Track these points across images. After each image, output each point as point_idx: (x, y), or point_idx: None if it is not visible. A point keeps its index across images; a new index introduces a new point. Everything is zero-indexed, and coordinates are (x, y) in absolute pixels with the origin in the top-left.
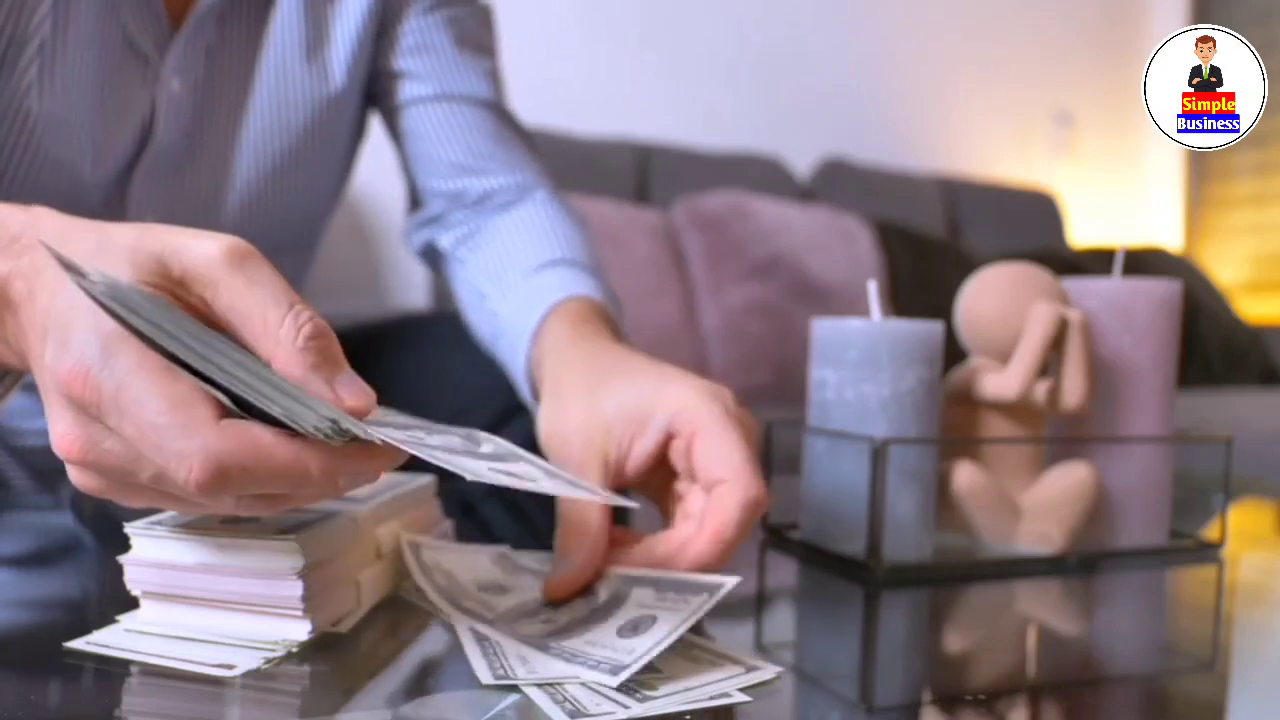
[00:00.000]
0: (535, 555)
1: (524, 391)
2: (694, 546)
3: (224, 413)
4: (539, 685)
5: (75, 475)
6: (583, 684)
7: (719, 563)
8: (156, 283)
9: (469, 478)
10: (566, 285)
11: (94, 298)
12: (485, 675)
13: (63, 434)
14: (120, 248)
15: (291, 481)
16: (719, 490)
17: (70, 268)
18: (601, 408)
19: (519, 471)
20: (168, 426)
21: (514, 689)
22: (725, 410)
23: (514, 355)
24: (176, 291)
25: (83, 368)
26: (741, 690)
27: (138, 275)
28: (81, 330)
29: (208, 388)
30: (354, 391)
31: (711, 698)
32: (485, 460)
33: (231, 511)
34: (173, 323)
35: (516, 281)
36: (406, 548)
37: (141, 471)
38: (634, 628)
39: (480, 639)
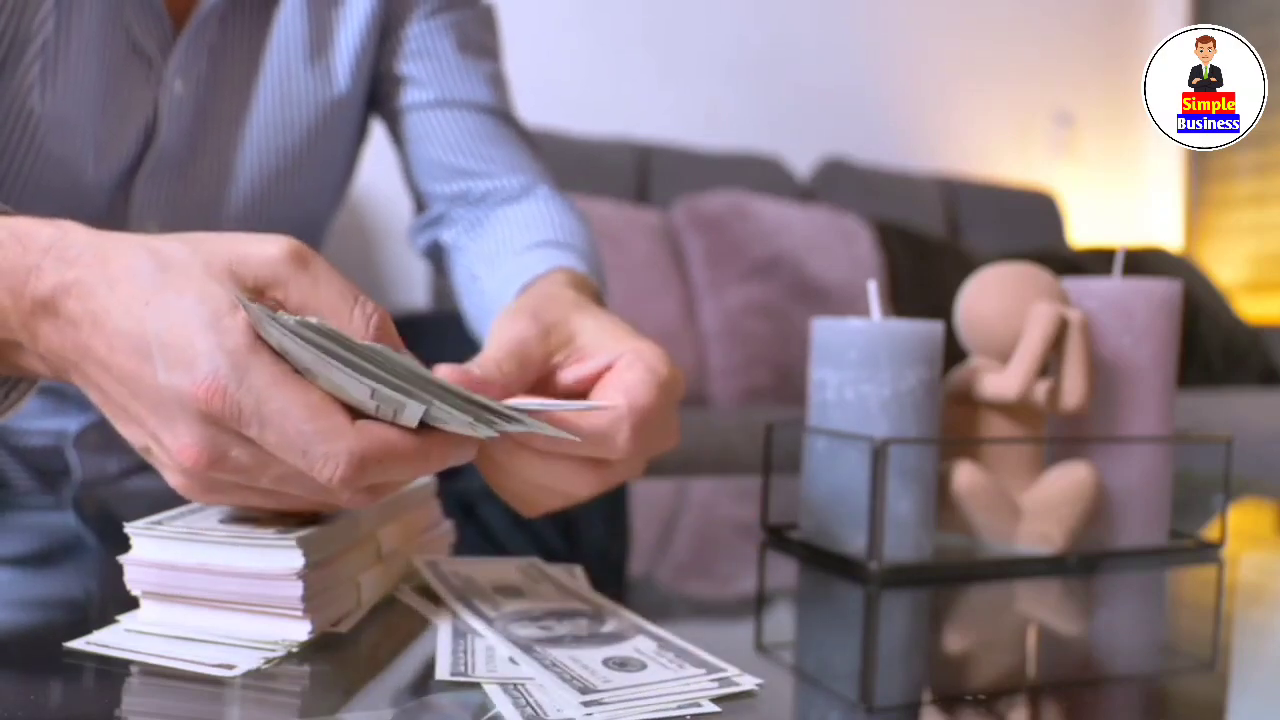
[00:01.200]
0: (562, 567)
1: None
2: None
3: (354, 414)
4: (500, 685)
5: (180, 480)
6: (542, 687)
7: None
8: (244, 298)
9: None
10: (551, 260)
11: (283, 328)
12: (443, 671)
13: (188, 444)
14: (190, 266)
15: (416, 470)
16: (622, 361)
17: (257, 315)
18: (570, 322)
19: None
20: (313, 433)
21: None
22: (670, 375)
23: (488, 324)
24: (258, 301)
25: (218, 385)
26: (714, 700)
27: (225, 294)
28: (205, 349)
29: (338, 393)
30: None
31: (680, 706)
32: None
33: (344, 504)
34: (347, 347)
35: (507, 259)
36: (423, 566)
37: (264, 475)
38: (621, 664)
39: (459, 635)
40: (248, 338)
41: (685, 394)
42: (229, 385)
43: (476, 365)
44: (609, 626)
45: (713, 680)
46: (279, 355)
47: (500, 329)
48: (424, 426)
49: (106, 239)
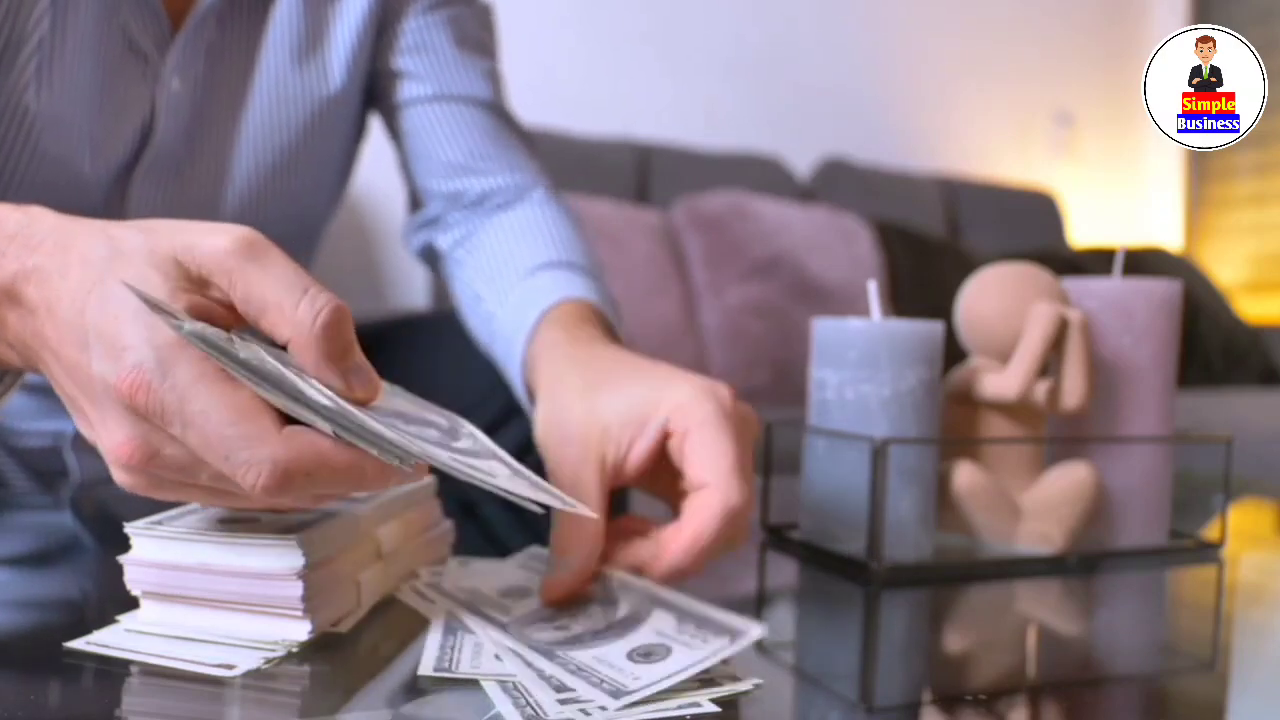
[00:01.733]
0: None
1: (520, 394)
2: (668, 551)
3: (284, 421)
4: (499, 684)
5: (123, 477)
6: (538, 679)
7: (693, 568)
8: (184, 287)
9: (430, 464)
10: (561, 287)
11: (191, 338)
12: (427, 666)
13: (121, 441)
14: (136, 253)
15: (349, 485)
16: (700, 495)
17: (157, 308)
18: (599, 409)
19: (483, 467)
20: (235, 437)
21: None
22: (720, 409)
23: (509, 358)
24: (200, 292)
25: (143, 379)
26: (714, 701)
27: (164, 282)
28: (135, 341)
29: (268, 395)
30: (363, 382)
31: (680, 707)
32: (454, 452)
33: (287, 506)
34: (255, 357)
35: (512, 284)
36: (424, 588)
37: (200, 474)
38: (646, 654)
39: (449, 631)
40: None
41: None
42: (153, 380)
43: (564, 566)
44: (624, 609)
45: (735, 645)
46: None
47: (552, 470)
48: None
49: (72, 225)
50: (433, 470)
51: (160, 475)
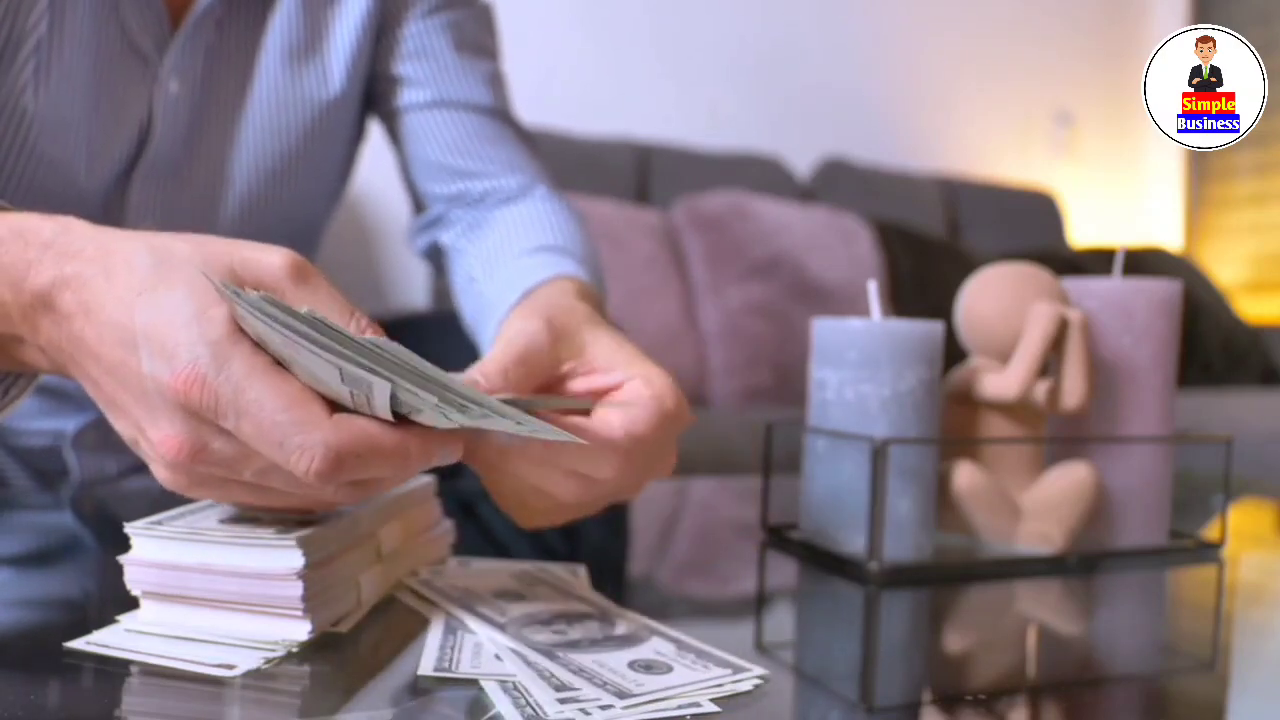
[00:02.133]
0: (558, 566)
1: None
2: (606, 426)
3: (334, 408)
4: (499, 684)
5: (166, 475)
6: (538, 679)
7: (629, 464)
8: None
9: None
10: (558, 266)
11: (252, 310)
12: (427, 666)
13: (170, 436)
14: (185, 261)
15: (397, 465)
16: (632, 383)
17: (232, 294)
18: (582, 333)
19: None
20: (288, 423)
21: (512, 684)
22: (676, 407)
23: (488, 324)
24: None
25: (198, 374)
26: (715, 701)
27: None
28: (187, 340)
29: (316, 384)
30: None
31: (679, 708)
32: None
33: (329, 497)
34: (314, 327)
35: (506, 263)
36: (418, 585)
37: (246, 468)
38: (647, 667)
39: (450, 631)
40: (230, 328)
41: (682, 390)
42: (208, 374)
43: (481, 372)
44: (621, 629)
45: (738, 680)
46: (260, 348)
47: (510, 328)
48: (404, 420)
49: (110, 234)
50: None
51: (205, 472)
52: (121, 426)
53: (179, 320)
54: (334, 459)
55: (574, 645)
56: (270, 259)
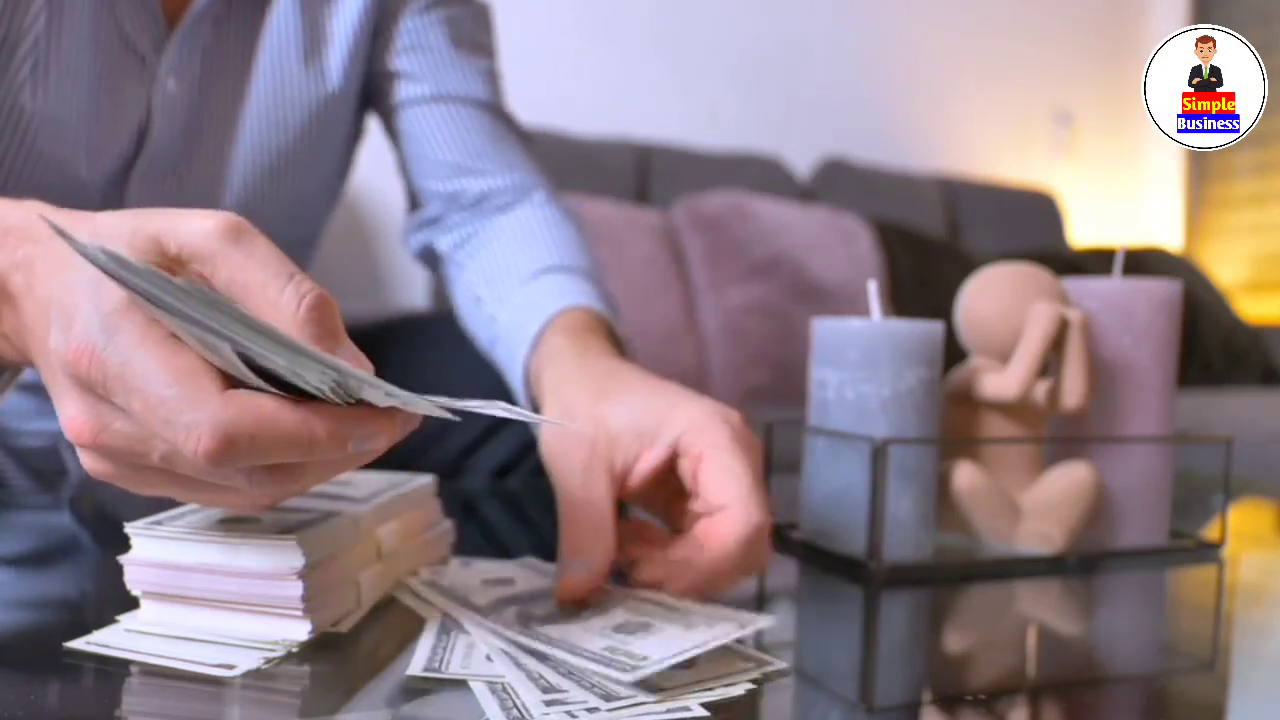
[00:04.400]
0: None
1: (522, 400)
2: (692, 568)
3: (230, 384)
4: (488, 685)
5: (86, 460)
6: (526, 680)
7: (714, 587)
8: (157, 262)
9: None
10: (565, 294)
11: (94, 262)
12: (416, 667)
13: (72, 416)
14: (116, 235)
15: (300, 448)
16: (720, 517)
17: (65, 235)
18: (608, 417)
19: (475, 404)
20: (175, 398)
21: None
22: (733, 433)
23: (512, 364)
24: (176, 270)
25: (88, 345)
26: (704, 705)
27: (136, 257)
28: (84, 310)
29: (211, 355)
30: (354, 365)
31: (668, 711)
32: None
33: (245, 489)
34: (171, 285)
35: (513, 288)
36: (418, 585)
37: (152, 451)
38: (644, 629)
39: (443, 631)
40: (125, 296)
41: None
42: (95, 344)
43: (580, 565)
44: (620, 617)
45: (740, 627)
46: (155, 321)
47: (561, 474)
48: (315, 401)
49: (64, 217)
50: (432, 469)
51: (113, 453)
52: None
53: (80, 290)
54: (222, 437)
55: (548, 619)
56: (198, 224)
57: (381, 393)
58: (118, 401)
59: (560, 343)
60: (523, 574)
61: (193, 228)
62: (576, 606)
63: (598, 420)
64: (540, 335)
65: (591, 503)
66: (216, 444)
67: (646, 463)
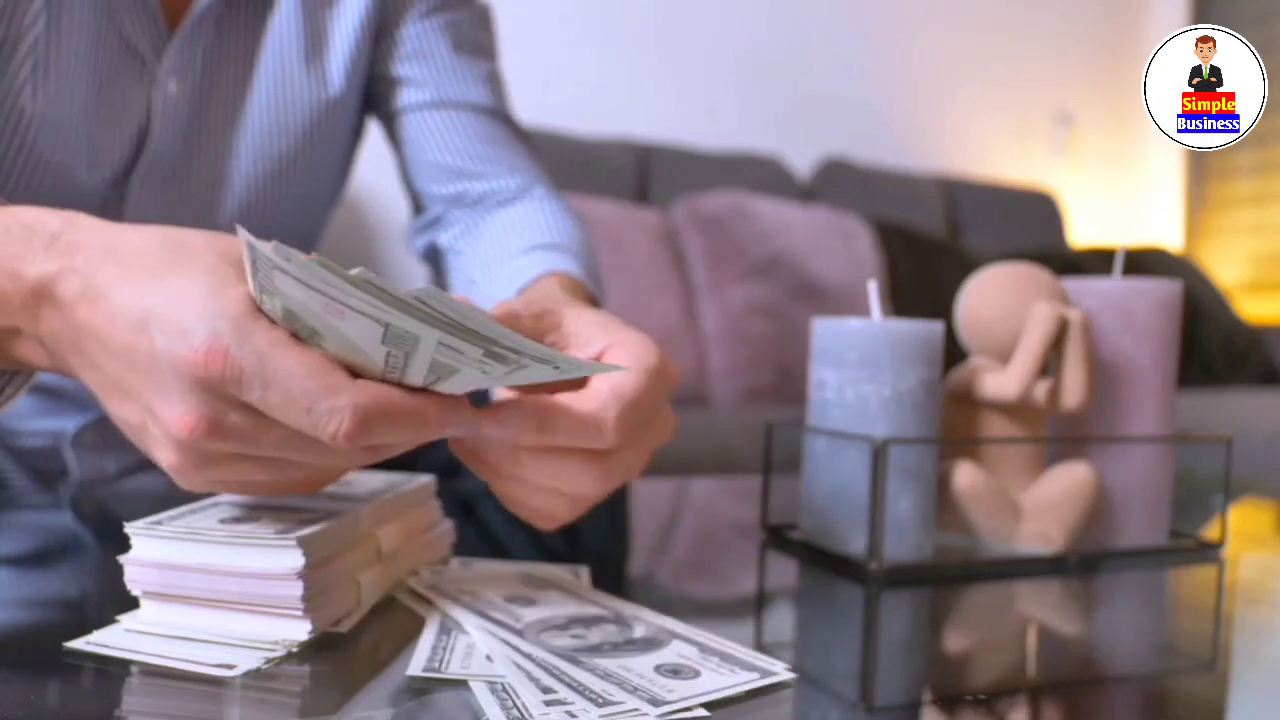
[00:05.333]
0: (561, 568)
1: None
2: (564, 418)
3: (355, 376)
4: (488, 685)
5: (172, 456)
6: (526, 680)
7: (623, 431)
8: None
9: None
10: (551, 263)
11: (302, 273)
12: (416, 667)
13: (184, 414)
14: (205, 251)
15: (415, 428)
16: (614, 350)
17: (272, 255)
18: (562, 310)
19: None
20: (317, 389)
21: (511, 687)
22: (661, 368)
23: None
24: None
25: (219, 347)
26: (704, 706)
27: (237, 274)
28: (206, 316)
29: (363, 352)
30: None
31: (670, 711)
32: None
33: (328, 470)
34: (361, 287)
35: (502, 264)
36: (422, 588)
37: (262, 441)
38: (674, 672)
39: (444, 631)
40: (249, 305)
41: (682, 390)
42: (230, 346)
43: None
44: (639, 632)
45: (765, 682)
46: (277, 325)
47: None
48: (423, 391)
49: (116, 227)
50: (432, 469)
51: (218, 449)
52: (127, 412)
53: (196, 299)
54: (361, 419)
55: (595, 650)
56: None
57: (527, 357)
58: (249, 397)
59: (544, 286)
60: (532, 590)
61: None
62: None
63: (554, 306)
64: (520, 289)
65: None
66: (356, 425)
67: (575, 352)
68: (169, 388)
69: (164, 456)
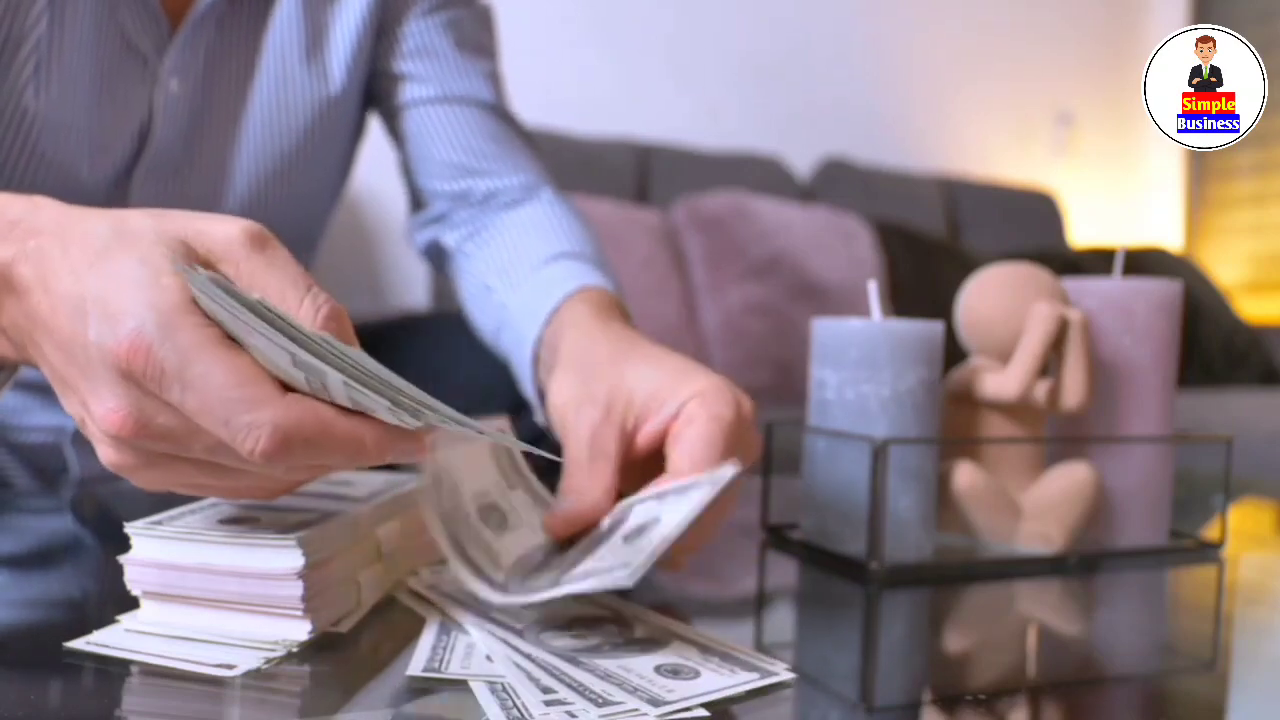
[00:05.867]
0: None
1: (525, 376)
2: (677, 468)
3: (285, 388)
4: (488, 685)
5: (109, 452)
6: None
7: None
8: (190, 266)
9: (435, 422)
10: (580, 276)
11: (200, 288)
12: (415, 667)
13: (114, 409)
14: (143, 232)
15: (348, 455)
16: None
17: (186, 269)
18: (626, 378)
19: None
20: (236, 400)
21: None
22: (738, 415)
23: (520, 342)
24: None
25: (143, 342)
26: (704, 706)
27: (171, 261)
28: (135, 306)
29: (281, 369)
30: None
31: (670, 710)
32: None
33: (280, 479)
34: (270, 313)
35: (525, 274)
36: (422, 588)
37: (193, 445)
38: (674, 672)
39: (444, 631)
40: (182, 298)
41: (747, 401)
42: (152, 343)
43: (575, 499)
44: (639, 632)
45: (765, 682)
46: (213, 321)
47: (572, 427)
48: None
49: (76, 211)
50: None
51: (150, 448)
52: (70, 406)
53: (129, 286)
54: (281, 440)
55: (595, 650)
56: (224, 228)
57: (439, 416)
58: (170, 398)
59: (582, 310)
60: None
61: (219, 233)
62: (565, 535)
63: (616, 378)
64: (556, 311)
65: (597, 460)
66: (275, 445)
67: (655, 424)
68: (99, 380)
69: (103, 454)
